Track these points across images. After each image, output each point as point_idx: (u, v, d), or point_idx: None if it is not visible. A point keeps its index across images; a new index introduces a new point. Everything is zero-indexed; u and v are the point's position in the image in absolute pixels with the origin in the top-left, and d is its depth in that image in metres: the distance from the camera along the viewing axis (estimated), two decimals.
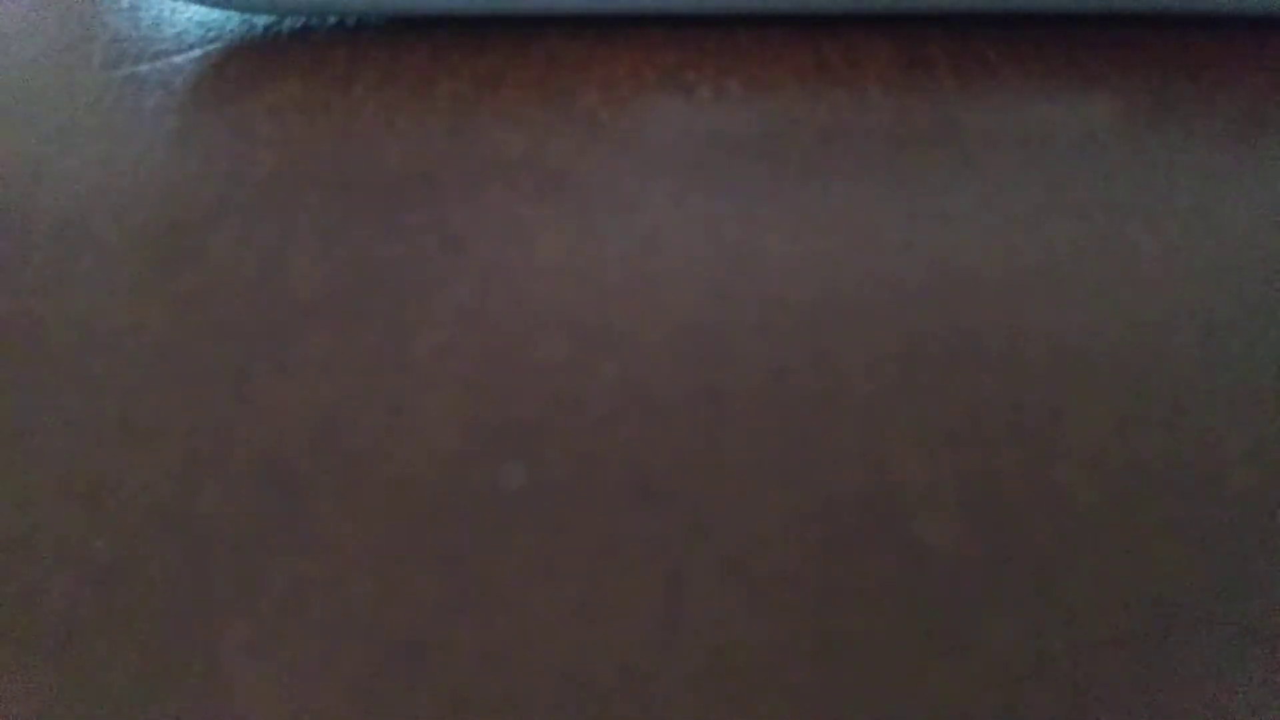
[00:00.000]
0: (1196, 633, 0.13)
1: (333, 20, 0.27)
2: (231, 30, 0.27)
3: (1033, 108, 0.23)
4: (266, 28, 0.27)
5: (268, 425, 0.16)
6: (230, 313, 0.18)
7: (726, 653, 0.13)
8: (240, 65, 0.25)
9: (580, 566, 0.14)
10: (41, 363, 0.17)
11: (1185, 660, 0.12)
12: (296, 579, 0.14)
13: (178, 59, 0.25)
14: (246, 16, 0.27)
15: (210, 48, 0.26)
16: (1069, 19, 0.26)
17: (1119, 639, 0.13)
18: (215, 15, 0.27)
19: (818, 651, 0.13)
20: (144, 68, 0.25)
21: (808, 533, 0.14)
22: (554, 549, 0.14)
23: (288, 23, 0.27)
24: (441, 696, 0.12)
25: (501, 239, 0.19)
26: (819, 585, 0.13)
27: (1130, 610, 0.13)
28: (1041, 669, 0.12)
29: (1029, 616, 0.13)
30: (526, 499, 0.15)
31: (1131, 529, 0.14)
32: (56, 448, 0.15)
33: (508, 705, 0.12)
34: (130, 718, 0.12)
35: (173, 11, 0.28)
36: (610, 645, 0.13)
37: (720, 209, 0.20)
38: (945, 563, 0.14)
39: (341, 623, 0.13)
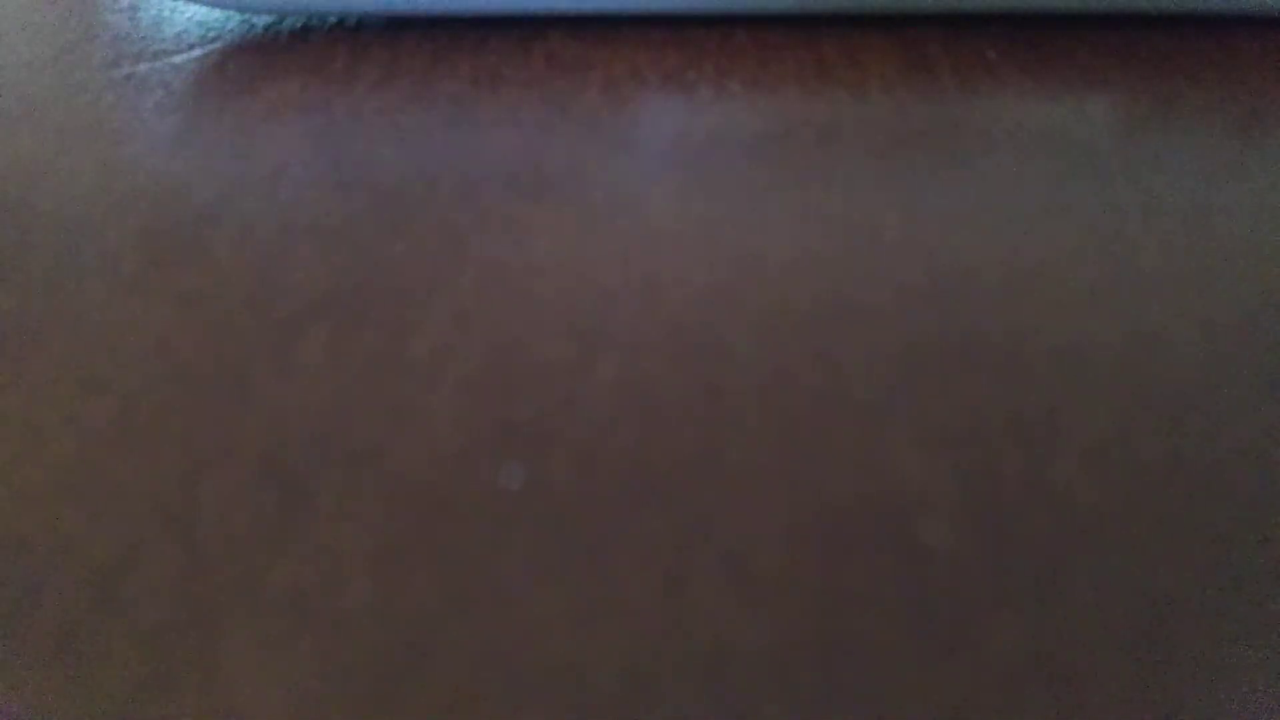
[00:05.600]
0: (1197, 633, 0.13)
1: (333, 20, 0.27)
2: (231, 30, 0.27)
3: (1033, 108, 0.23)
4: (266, 28, 0.27)
5: (268, 425, 0.16)
6: (230, 312, 0.18)
7: (726, 653, 0.13)
8: (240, 65, 0.25)
9: (580, 566, 0.14)
10: (41, 362, 0.17)
11: (1186, 661, 0.12)
12: (296, 579, 0.14)
13: (178, 59, 0.25)
14: (246, 16, 0.27)
15: (210, 47, 0.26)
16: (1069, 19, 0.26)
17: (1119, 639, 0.13)
18: (215, 15, 0.27)
19: (818, 651, 0.13)
20: (144, 67, 0.25)
21: (807, 533, 0.14)
22: (554, 549, 0.14)
23: (288, 23, 0.27)
24: (442, 697, 0.12)
25: (501, 239, 0.19)
26: (819, 585, 0.13)
27: (1131, 611, 0.13)
28: (1041, 669, 0.12)
29: (1028, 617, 0.13)
30: (526, 499, 0.15)
31: (1131, 529, 0.14)
32: (56, 447, 0.15)
33: (508, 705, 0.12)
34: (129, 719, 0.12)
35: (173, 11, 0.28)
36: (610, 645, 0.13)
37: (720, 209, 0.20)
38: (945, 563, 0.14)
39: (341, 623, 0.13)
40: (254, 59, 0.25)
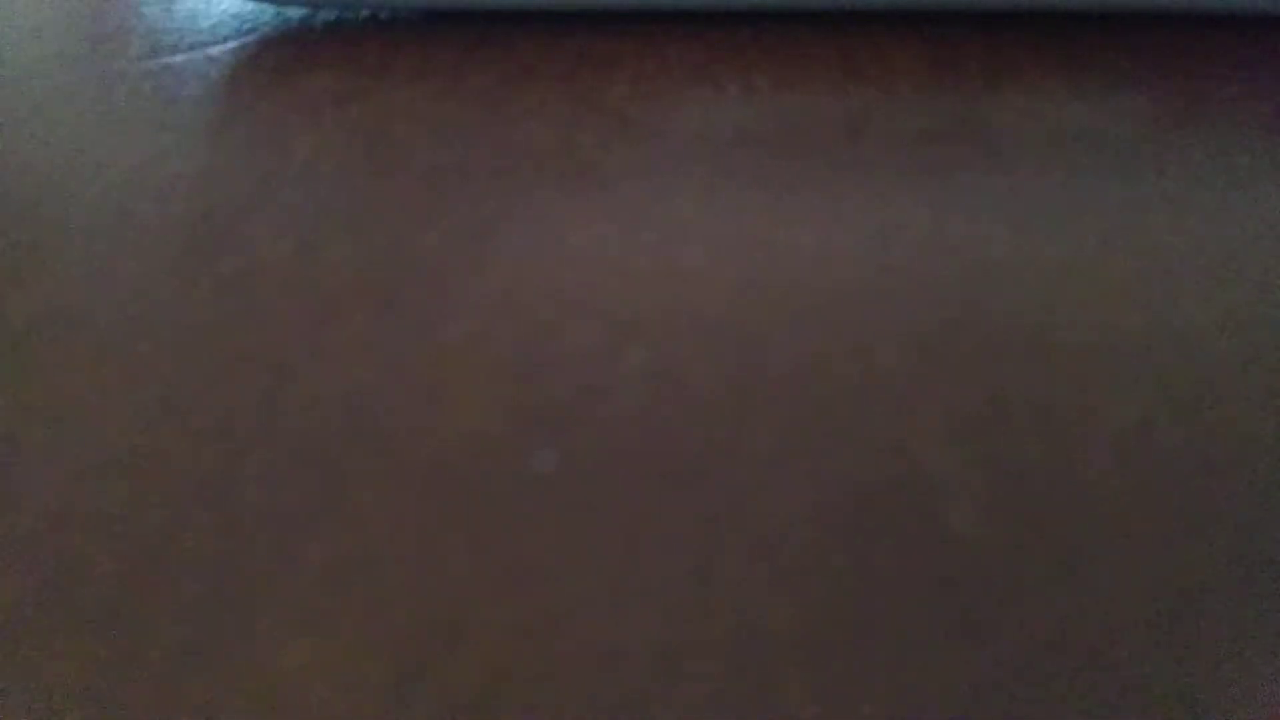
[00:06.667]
0: (1218, 620, 0.13)
1: (365, 14, 0.27)
2: (266, 23, 0.27)
3: (1060, 105, 0.23)
4: (300, 21, 0.27)
5: (306, 407, 0.16)
6: (268, 298, 0.18)
7: (755, 634, 0.13)
8: (275, 57, 0.25)
9: (612, 548, 0.14)
10: (85, 346, 0.17)
11: (1207, 646, 0.13)
12: (334, 558, 0.14)
13: (213, 51, 0.26)
14: (280, 10, 0.28)
15: (245, 39, 0.26)
16: (1096, 18, 0.26)
17: (1142, 626, 0.13)
18: (250, 8, 0.28)
19: (844, 634, 0.13)
20: (180, 59, 0.25)
21: (835, 519, 0.14)
22: (586, 531, 0.14)
23: (321, 16, 0.27)
24: (478, 673, 0.13)
25: (532, 229, 0.19)
26: (846, 570, 0.14)
27: (1153, 597, 0.13)
28: (1064, 653, 0.13)
29: (1053, 602, 0.13)
30: (558, 482, 0.15)
31: (1155, 518, 0.14)
32: (101, 427, 0.16)
33: (542, 682, 0.12)
34: (172, 690, 0.12)
35: (208, 4, 0.28)
36: (642, 625, 0.13)
37: (748, 202, 0.20)
38: (971, 549, 0.14)
39: (378, 601, 0.13)
40: (288, 51, 0.25)
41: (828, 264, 0.18)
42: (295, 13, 0.27)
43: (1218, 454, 0.15)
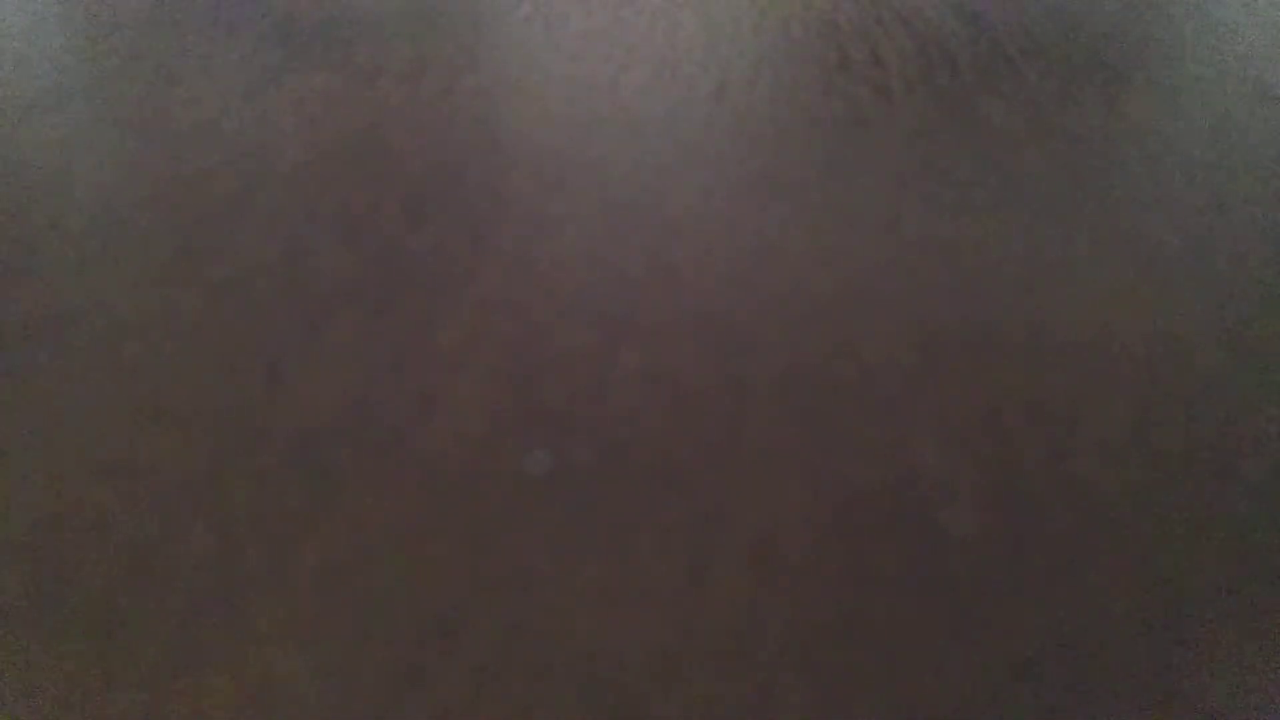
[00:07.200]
0: (1209, 617, 0.13)
1: (355, 17, 0.27)
2: (257, 23, 0.27)
3: (1055, 104, 0.23)
4: (290, 21, 0.27)
5: (298, 409, 0.16)
6: (259, 300, 0.18)
7: (748, 633, 0.13)
8: (266, 59, 0.25)
9: (605, 549, 0.14)
10: (74, 349, 0.17)
11: (1197, 642, 0.13)
12: (327, 559, 0.14)
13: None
14: (270, 6, 0.27)
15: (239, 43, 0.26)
16: (1092, 17, 0.26)
17: (1134, 623, 0.13)
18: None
19: (839, 633, 0.13)
20: (166, 63, 0.25)
21: (829, 519, 0.14)
22: (579, 532, 0.14)
23: (311, 18, 0.27)
24: (470, 672, 0.12)
25: (526, 230, 0.19)
26: (840, 570, 0.13)
27: (1145, 596, 0.13)
28: (1058, 652, 0.12)
29: (1047, 601, 0.13)
30: (552, 484, 0.15)
31: (1148, 518, 0.14)
32: (91, 431, 0.16)
33: (535, 681, 0.12)
34: (163, 692, 0.12)
35: None
36: (635, 625, 0.13)
37: (743, 201, 0.20)
38: (966, 549, 0.14)
39: (371, 601, 0.13)
40: (279, 53, 0.25)
41: (821, 263, 0.18)
42: (286, 13, 0.27)
43: (1209, 455, 0.15)
